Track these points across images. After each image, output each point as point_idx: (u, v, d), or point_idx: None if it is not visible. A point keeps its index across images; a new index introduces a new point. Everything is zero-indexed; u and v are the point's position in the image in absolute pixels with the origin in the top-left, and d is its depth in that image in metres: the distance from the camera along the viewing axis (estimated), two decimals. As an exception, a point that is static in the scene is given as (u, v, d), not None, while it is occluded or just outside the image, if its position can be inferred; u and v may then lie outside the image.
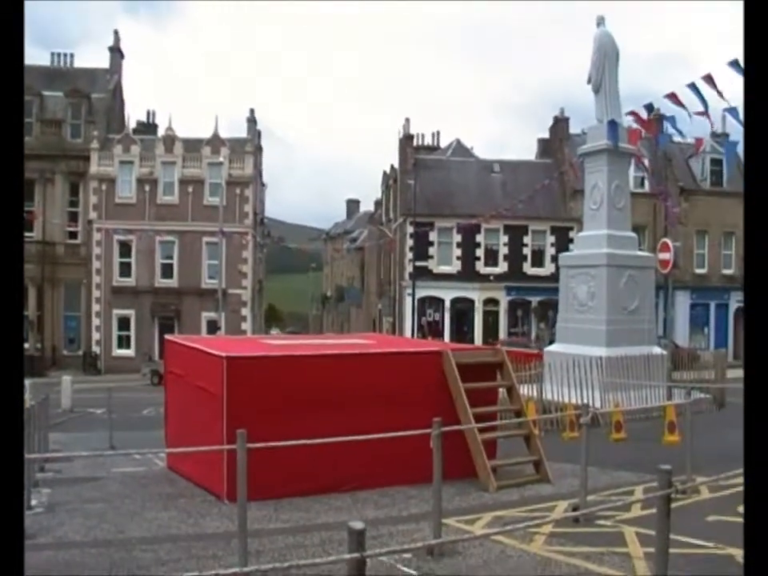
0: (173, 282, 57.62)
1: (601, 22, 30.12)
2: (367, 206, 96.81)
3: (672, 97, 20.15)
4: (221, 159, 57.09)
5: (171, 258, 57.80)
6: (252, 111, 63.42)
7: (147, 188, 57.06)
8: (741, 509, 11.50)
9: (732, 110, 19.30)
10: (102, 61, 63.07)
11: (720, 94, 19.25)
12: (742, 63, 17.14)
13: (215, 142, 58.39)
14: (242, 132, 62.61)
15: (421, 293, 56.21)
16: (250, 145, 60.18)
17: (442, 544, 9.57)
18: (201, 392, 13.89)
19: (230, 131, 61.18)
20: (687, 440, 13.50)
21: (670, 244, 28.26)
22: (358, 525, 5.22)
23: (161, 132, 60.89)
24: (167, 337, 18.15)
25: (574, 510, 11.36)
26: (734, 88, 18.18)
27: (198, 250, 57.45)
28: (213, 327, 52.87)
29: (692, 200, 59.95)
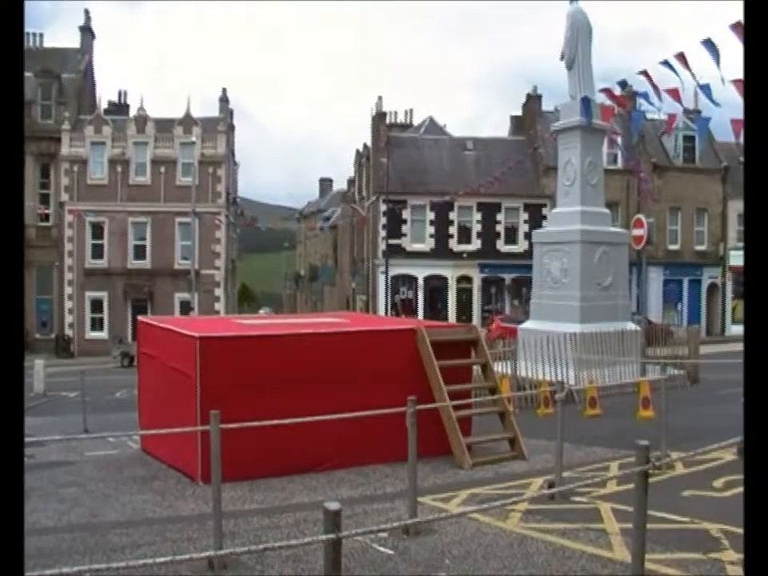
0: (146, 264, 57.34)
1: None
2: (340, 185, 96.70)
3: (645, 74, 20.11)
4: (193, 139, 56.73)
5: (144, 239, 57.48)
6: (224, 90, 63.07)
7: (119, 169, 56.68)
8: (716, 483, 11.60)
9: (704, 87, 19.29)
10: (73, 41, 62.56)
11: (693, 75, 19.25)
12: (716, 42, 17.17)
13: (187, 121, 58.03)
14: (214, 111, 62.26)
15: (394, 271, 56.23)
16: (223, 124, 59.86)
17: (417, 523, 9.55)
18: (174, 373, 13.79)
19: (202, 111, 60.64)
20: (662, 416, 13.53)
21: (644, 220, 28.33)
22: (333, 505, 5.18)
23: (132, 112, 60.39)
24: (140, 318, 17.99)
25: (550, 486, 11.37)
26: (706, 66, 18.20)
27: (170, 231, 57.20)
28: (186, 308, 52.62)
29: (665, 176, 60.14)
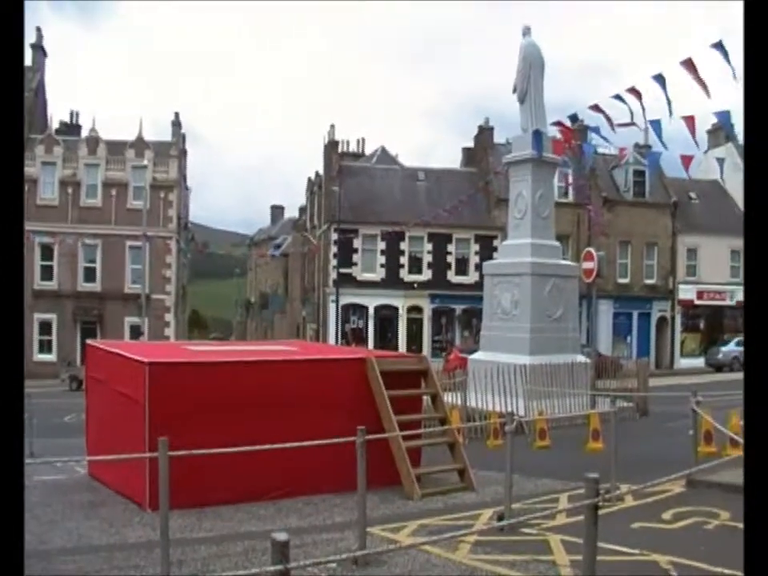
0: (95, 286, 56.79)
1: (527, 32, 30.39)
2: (292, 213, 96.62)
3: (596, 108, 20.32)
4: (145, 162, 56.47)
5: (94, 261, 56.94)
6: (177, 115, 62.66)
7: (70, 190, 56.17)
8: (665, 515, 11.66)
9: (654, 123, 19.54)
10: (24, 59, 62.09)
11: (643, 109, 19.49)
12: (665, 75, 17.44)
13: (139, 144, 57.72)
14: (166, 135, 61.97)
15: (345, 300, 56.18)
16: (175, 148, 59.60)
17: (367, 554, 9.50)
18: (122, 398, 13.66)
19: (154, 134, 60.45)
20: (612, 448, 13.60)
21: (594, 253, 28.55)
22: (281, 536, 5.14)
23: (84, 133, 59.91)
24: (89, 342, 17.82)
25: (499, 518, 11.37)
26: (657, 101, 18.44)
27: (121, 254, 56.69)
28: (136, 332, 52.13)
29: (615, 210, 60.70)
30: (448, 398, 22.03)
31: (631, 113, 19.77)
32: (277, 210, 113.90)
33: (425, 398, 16.51)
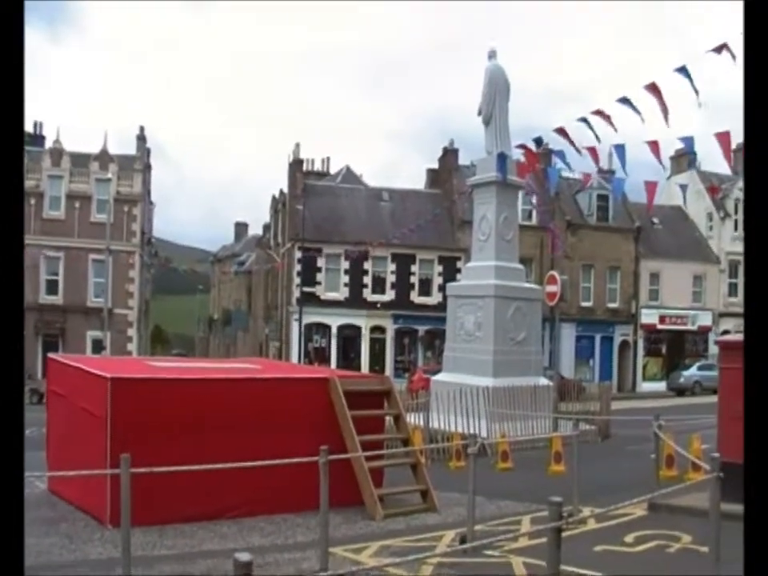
0: (58, 300, 56.29)
1: (492, 55, 30.58)
2: (256, 230, 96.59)
3: (561, 131, 20.44)
4: (109, 176, 56.02)
5: (56, 274, 56.46)
6: (142, 129, 62.54)
7: (32, 201, 55.59)
8: (627, 538, 11.72)
9: (618, 148, 19.68)
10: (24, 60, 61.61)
11: (596, 136, 19.62)
12: (629, 98, 17.58)
13: (104, 157, 57.37)
14: (131, 149, 61.70)
15: (308, 318, 56.05)
16: (139, 163, 59.34)
17: (329, 574, 9.48)
18: (84, 413, 13.58)
19: (119, 147, 59.77)
20: (574, 471, 13.66)
21: (557, 277, 28.69)
22: (244, 557, 5.14)
23: (48, 144, 59.50)
24: (50, 355, 17.73)
25: (462, 539, 11.38)
26: (621, 125, 18.58)
27: (83, 268, 56.25)
28: (98, 347, 51.82)
29: (579, 234, 60.99)
30: (411, 418, 22.05)
31: (597, 137, 19.93)
32: (241, 227, 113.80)
33: (387, 418, 16.52)
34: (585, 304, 61.23)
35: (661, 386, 60.23)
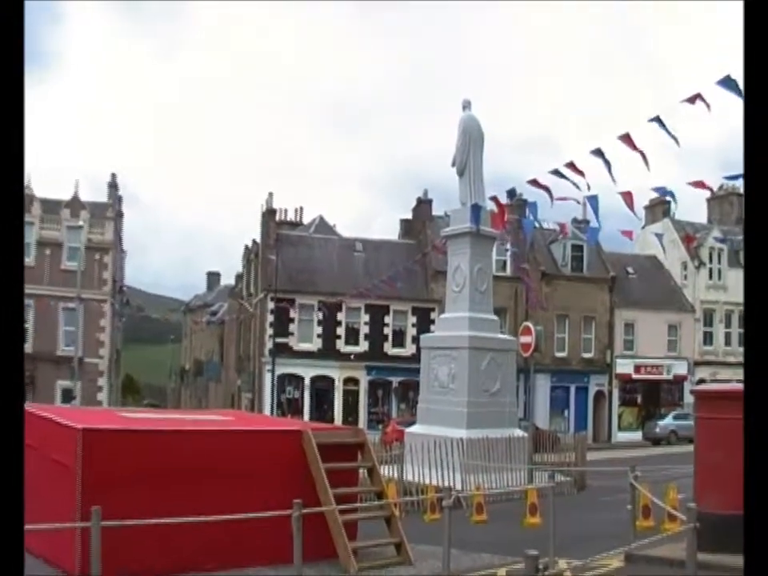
0: (27, 348, 55.63)
1: (467, 105, 30.85)
2: (228, 280, 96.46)
3: (534, 183, 20.61)
4: (80, 223, 55.76)
5: (26, 322, 56.15)
6: (113, 176, 62.34)
7: (2, 249, 55.54)
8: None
9: (592, 199, 19.88)
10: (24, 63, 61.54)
11: (576, 185, 19.77)
12: (603, 150, 17.77)
13: (75, 204, 57.18)
14: (103, 196, 61.60)
15: (281, 370, 55.94)
16: (111, 210, 59.18)
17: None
18: (54, 464, 13.47)
19: (90, 194, 59.44)
20: (550, 523, 13.66)
21: (532, 328, 28.80)
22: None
23: (18, 190, 59.38)
24: (19, 407, 17.58)
25: (437, 593, 11.36)
26: (595, 175, 18.75)
27: (54, 316, 55.80)
28: (68, 396, 51.34)
29: (553, 284, 61.25)
30: (385, 471, 21.98)
31: (576, 186, 20.10)
32: (213, 277, 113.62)
33: (361, 470, 16.49)
34: (560, 354, 61.36)
35: (636, 435, 60.21)
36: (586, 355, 62.64)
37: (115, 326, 61.91)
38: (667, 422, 57.09)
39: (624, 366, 63.00)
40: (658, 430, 57.15)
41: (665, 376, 63.98)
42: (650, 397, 64.33)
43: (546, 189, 20.19)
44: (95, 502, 8.79)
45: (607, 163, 17.75)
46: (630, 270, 65.16)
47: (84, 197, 58.54)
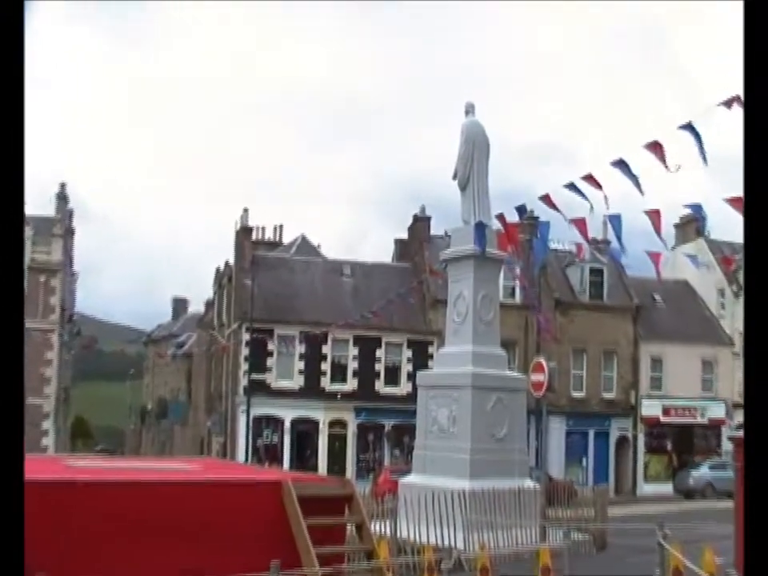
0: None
1: (470, 110, 30.88)
2: (197, 307, 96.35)
3: (546, 199, 20.67)
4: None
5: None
6: (63, 186, 61.36)
7: (-70, 271, 55.44)
8: None
9: (614, 218, 19.95)
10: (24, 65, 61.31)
11: (587, 200, 19.82)
12: (627, 161, 17.87)
13: (17, 220, 57.15)
14: (50, 210, 60.49)
15: (257, 411, 55.81)
16: (60, 226, 58.48)
17: None
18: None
19: (36, 208, 58.55)
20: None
21: (544, 364, 28.79)
22: None
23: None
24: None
25: None
26: (617, 189, 18.86)
27: (-9, 350, 55.77)
28: (6, 445, 51.29)
29: (569, 314, 61.29)
30: (376, 527, 21.97)
31: (591, 206, 20.11)
32: (179, 304, 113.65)
33: (349, 527, 16.51)
34: (576, 394, 61.33)
35: (666, 488, 59.99)
36: (607, 395, 62.59)
37: (63, 360, 61.61)
38: (702, 472, 56.83)
39: (651, 408, 62.91)
40: (691, 481, 56.90)
41: (699, 419, 63.91)
42: (681, 443, 64.19)
43: (559, 210, 20.29)
44: (40, 567, 8.80)
45: (633, 176, 17.86)
46: (658, 297, 65.19)
47: (27, 210, 58.24)
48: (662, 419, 63.35)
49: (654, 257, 22.51)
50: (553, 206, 20.62)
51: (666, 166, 16.79)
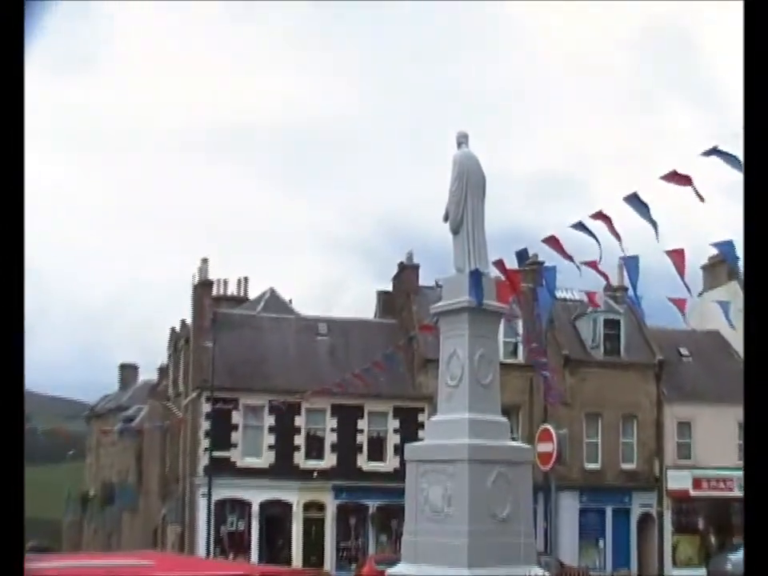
0: None
1: (463, 140, 30.85)
2: (149, 374, 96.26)
3: (552, 241, 20.79)
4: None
5: None
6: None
7: None
8: None
9: (630, 260, 20.05)
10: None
11: (617, 232, 19.95)
12: (641, 196, 18.08)
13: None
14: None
15: (220, 493, 55.67)
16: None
17: None
18: None
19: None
20: None
21: (553, 432, 28.92)
22: None
23: None
24: None
25: None
26: (633, 228, 19.01)
27: None
28: None
29: (580, 373, 61.30)
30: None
31: (599, 249, 20.27)
32: (128, 371, 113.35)
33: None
34: (591, 466, 61.25)
35: (699, 573, 59.65)
36: (627, 466, 62.52)
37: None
38: (742, 555, 56.32)
39: (679, 480, 62.65)
40: (729, 566, 56.19)
41: (736, 492, 63.33)
42: (716, 521, 63.83)
43: (568, 256, 20.44)
44: None
45: (647, 214, 18.03)
46: (684, 351, 65.28)
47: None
48: (693, 493, 63.01)
49: (679, 304, 22.50)
50: (560, 249, 20.75)
51: (700, 196, 16.87)
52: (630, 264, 19.88)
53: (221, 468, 55.64)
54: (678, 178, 16.55)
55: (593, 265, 21.31)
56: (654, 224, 17.83)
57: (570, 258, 20.86)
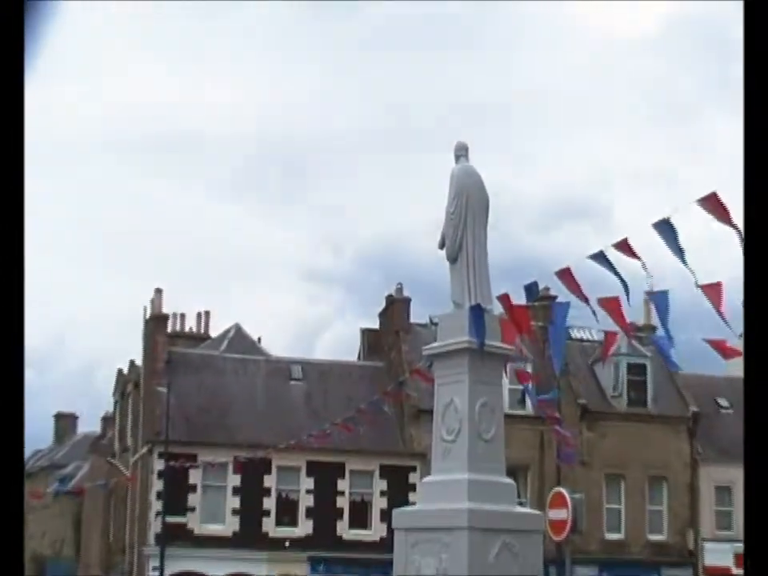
0: None
1: (462, 153, 30.65)
2: (90, 426, 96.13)
3: (566, 275, 20.86)
4: None
5: None
6: None
7: None
8: None
9: (659, 296, 20.02)
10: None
11: (646, 271, 20.04)
12: (671, 219, 18.18)
13: None
14: None
15: (175, 566, 55.34)
16: None
17: None
18: None
19: None
20: None
21: (567, 495, 28.98)
22: None
23: None
24: None
25: None
26: (659, 260, 19.11)
27: None
28: None
29: (600, 426, 61.24)
30: None
31: (623, 282, 20.36)
32: (65, 422, 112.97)
33: None
34: (612, 536, 61.10)
35: None
36: (655, 537, 62.34)
37: None
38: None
39: (718, 555, 62.07)
40: None
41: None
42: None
43: (585, 298, 20.58)
44: None
45: (675, 243, 18.09)
46: (723, 401, 65.07)
47: None
48: (734, 570, 61.06)
49: (718, 346, 22.21)
50: (575, 286, 20.84)
51: (736, 227, 16.46)
52: (659, 300, 19.74)
53: (175, 536, 55.42)
54: (715, 205, 16.00)
55: (613, 303, 21.17)
56: (681, 252, 17.63)
57: (586, 300, 20.89)
